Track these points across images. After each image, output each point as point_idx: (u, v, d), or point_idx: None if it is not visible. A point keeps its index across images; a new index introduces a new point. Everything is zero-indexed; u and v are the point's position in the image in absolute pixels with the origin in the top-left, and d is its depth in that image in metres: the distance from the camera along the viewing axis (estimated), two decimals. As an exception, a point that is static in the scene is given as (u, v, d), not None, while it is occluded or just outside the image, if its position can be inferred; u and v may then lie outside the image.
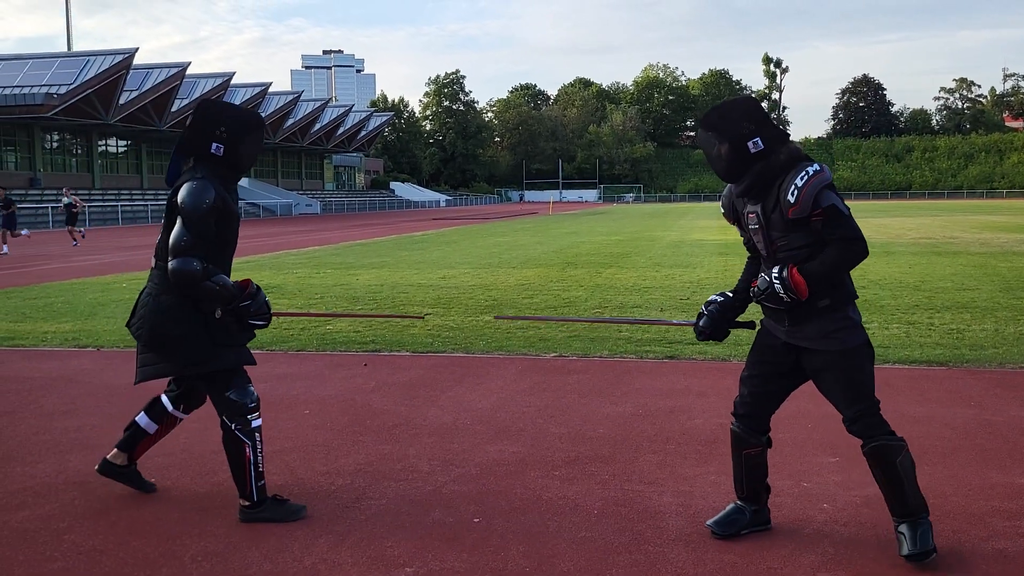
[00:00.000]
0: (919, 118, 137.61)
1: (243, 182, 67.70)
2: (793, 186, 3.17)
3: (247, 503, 3.81)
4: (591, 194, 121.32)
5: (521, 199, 77.96)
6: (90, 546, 3.56)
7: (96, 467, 4.21)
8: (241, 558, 3.43)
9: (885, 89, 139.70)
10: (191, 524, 3.78)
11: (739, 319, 3.66)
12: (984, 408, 5.44)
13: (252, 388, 3.83)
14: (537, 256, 18.48)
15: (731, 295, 3.62)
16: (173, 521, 3.82)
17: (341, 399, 5.99)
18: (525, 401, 5.86)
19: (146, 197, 56.56)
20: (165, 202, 3.86)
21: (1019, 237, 22.56)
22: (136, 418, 4.14)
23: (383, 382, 6.50)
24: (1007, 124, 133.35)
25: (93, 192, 53.00)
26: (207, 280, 3.61)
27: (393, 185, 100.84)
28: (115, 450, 4.16)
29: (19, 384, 6.60)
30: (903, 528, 3.29)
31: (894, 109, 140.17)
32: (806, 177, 3.17)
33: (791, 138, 3.38)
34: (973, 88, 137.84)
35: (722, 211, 3.64)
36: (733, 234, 26.24)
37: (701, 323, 3.61)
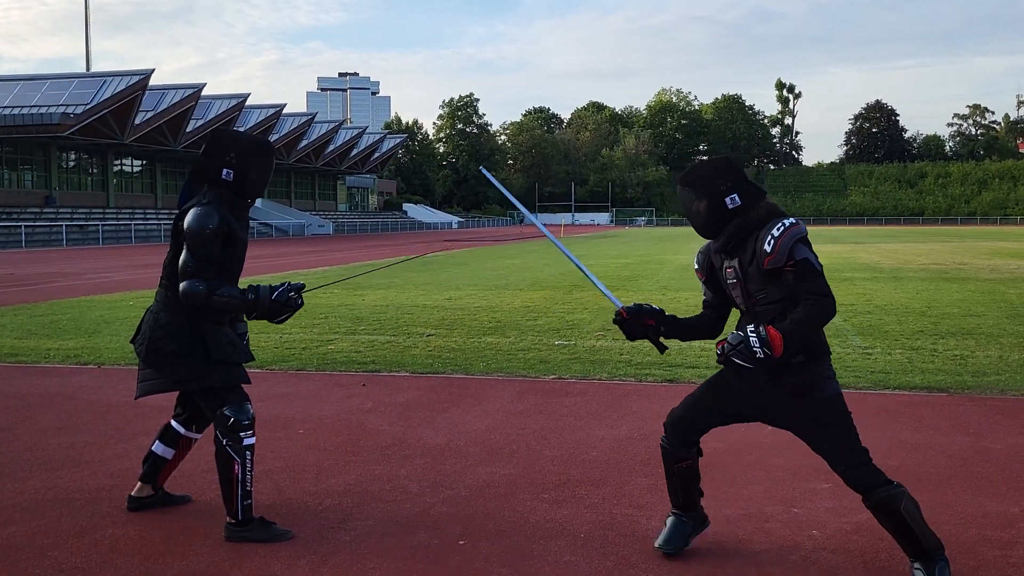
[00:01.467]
0: (932, 144, 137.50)
1: (256, 202, 68.14)
2: (770, 236, 3.27)
3: (233, 521, 3.81)
4: (603, 217, 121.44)
5: (521, 222, 77.63)
6: (72, 564, 3.55)
7: (126, 506, 4.20)
8: (222, 577, 3.41)
9: (898, 115, 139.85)
10: (175, 543, 3.77)
11: (662, 339, 3.69)
12: (982, 436, 5.38)
13: (249, 406, 3.85)
14: (544, 278, 18.47)
15: (659, 309, 3.67)
16: (157, 540, 3.81)
17: (336, 419, 5.98)
18: (521, 423, 5.83)
19: (160, 216, 57.00)
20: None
21: (1031, 264, 22.41)
22: (152, 447, 4.22)
23: (380, 402, 6.48)
24: (1021, 151, 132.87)
25: (107, 211, 53.49)
26: (214, 296, 3.71)
27: (406, 206, 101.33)
28: (139, 483, 4.22)
29: (17, 400, 6.62)
30: (918, 566, 3.29)
31: (907, 135, 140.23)
32: (782, 228, 3.27)
33: (767, 195, 3.45)
34: (987, 114, 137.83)
35: (696, 267, 3.70)
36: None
37: (622, 306, 3.64)
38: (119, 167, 58.25)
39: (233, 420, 3.77)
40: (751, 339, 3.25)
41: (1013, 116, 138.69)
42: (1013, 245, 36.07)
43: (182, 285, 3.70)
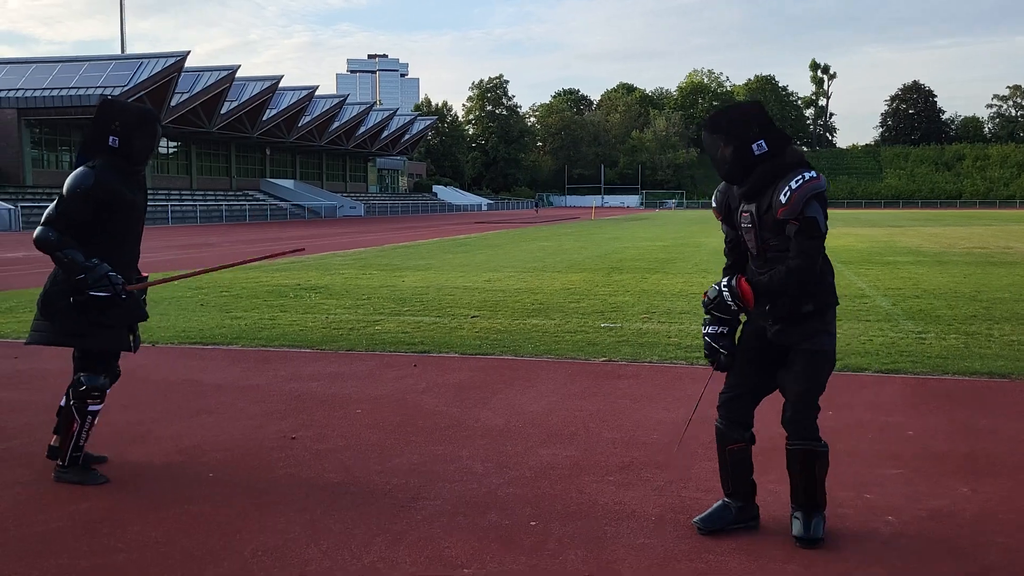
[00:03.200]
0: (971, 126, 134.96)
1: (288, 184, 68.63)
2: (787, 187, 3.28)
3: (61, 463, 4.25)
4: (633, 199, 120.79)
5: (536, 207, 76.70)
6: (153, 538, 3.61)
7: (46, 453, 4.51)
8: (299, 554, 3.45)
9: (936, 96, 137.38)
10: (250, 520, 3.81)
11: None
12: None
13: (104, 379, 4.23)
14: (581, 261, 18.42)
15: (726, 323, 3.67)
16: (233, 516, 3.85)
17: (393, 399, 6.01)
18: (576, 405, 5.83)
19: (195, 197, 57.53)
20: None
21: (1077, 248, 21.97)
22: (61, 403, 4.44)
23: (433, 383, 6.51)
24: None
25: (143, 192, 54.00)
26: (60, 251, 4.03)
27: (435, 188, 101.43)
28: (55, 436, 4.47)
29: (78, 378, 6.73)
30: (798, 514, 3.52)
31: (945, 116, 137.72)
32: (801, 181, 3.28)
33: (796, 143, 3.48)
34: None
35: (713, 205, 3.72)
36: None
37: (723, 359, 3.67)
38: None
39: (86, 387, 4.16)
40: (723, 293, 3.47)
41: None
42: (1056, 229, 35.39)
43: (37, 230, 4.06)
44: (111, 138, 4.10)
